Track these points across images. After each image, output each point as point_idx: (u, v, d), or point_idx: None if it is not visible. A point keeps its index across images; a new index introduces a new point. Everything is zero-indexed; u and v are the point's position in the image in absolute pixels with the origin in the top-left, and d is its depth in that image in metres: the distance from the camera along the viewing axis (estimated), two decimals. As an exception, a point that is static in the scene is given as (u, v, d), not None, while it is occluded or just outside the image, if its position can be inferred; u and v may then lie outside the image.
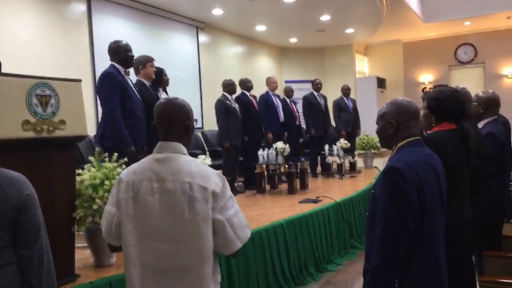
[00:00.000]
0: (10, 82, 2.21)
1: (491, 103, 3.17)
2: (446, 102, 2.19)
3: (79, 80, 2.55)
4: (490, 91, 3.27)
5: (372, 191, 1.77)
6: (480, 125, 3.06)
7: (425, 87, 5.93)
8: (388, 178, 1.65)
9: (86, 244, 2.82)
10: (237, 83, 6.10)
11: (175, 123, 1.69)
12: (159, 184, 1.62)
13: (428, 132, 2.30)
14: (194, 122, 1.91)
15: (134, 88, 3.79)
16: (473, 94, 3.23)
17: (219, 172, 1.70)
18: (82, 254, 2.92)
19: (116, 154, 2.73)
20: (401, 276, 1.64)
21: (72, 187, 2.52)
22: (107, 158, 2.69)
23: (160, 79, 4.53)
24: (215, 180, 1.64)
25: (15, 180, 1.52)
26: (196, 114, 7.94)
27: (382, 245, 1.63)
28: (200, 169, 1.66)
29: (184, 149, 1.71)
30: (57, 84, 2.39)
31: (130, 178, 1.68)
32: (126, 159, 2.77)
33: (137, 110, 3.70)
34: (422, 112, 2.22)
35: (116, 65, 3.67)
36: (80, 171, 2.62)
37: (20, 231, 1.50)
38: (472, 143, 2.15)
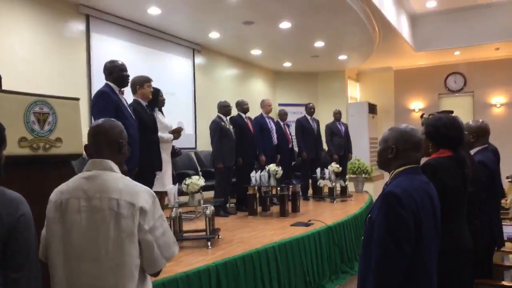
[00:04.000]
0: (9, 98, 2.21)
1: (481, 132, 3.23)
2: (444, 129, 2.25)
3: (77, 99, 2.55)
4: (480, 120, 3.34)
5: (369, 215, 1.79)
6: (471, 153, 3.11)
7: (424, 113, 6.01)
8: (386, 203, 1.68)
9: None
10: (233, 104, 6.15)
11: (108, 140, 1.72)
12: (86, 202, 1.62)
13: (426, 158, 2.34)
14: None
15: (128, 108, 3.80)
16: (463, 123, 3.30)
17: (149, 189, 1.71)
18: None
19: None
20: None
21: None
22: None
23: (156, 99, 4.56)
24: (144, 197, 1.65)
25: (12, 200, 1.49)
26: (190, 135, 7.97)
27: (378, 269, 1.64)
28: (129, 185, 1.67)
29: (114, 167, 1.71)
30: (55, 102, 2.38)
31: (58, 197, 1.66)
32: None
33: (130, 129, 3.67)
34: None
35: (111, 84, 3.70)
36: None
37: (10, 253, 1.45)
38: (469, 169, 2.19)
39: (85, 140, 5.65)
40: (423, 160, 2.37)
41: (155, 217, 1.65)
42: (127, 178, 1.71)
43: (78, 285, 1.60)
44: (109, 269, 1.58)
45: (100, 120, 1.79)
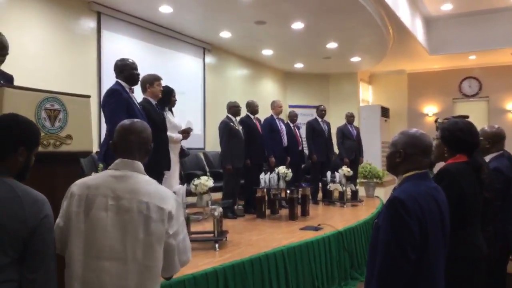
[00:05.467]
0: (20, 94, 2.22)
1: (497, 138, 3.17)
2: (460, 134, 2.21)
3: (88, 96, 2.55)
4: (496, 126, 3.28)
5: (376, 220, 1.77)
6: (486, 159, 3.04)
7: (438, 118, 5.96)
8: (391, 208, 1.66)
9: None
10: (242, 105, 6.11)
11: (140, 141, 1.72)
12: (114, 201, 1.60)
13: (444, 163, 2.30)
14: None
15: (138, 106, 3.80)
16: (478, 128, 3.24)
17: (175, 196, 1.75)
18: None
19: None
20: None
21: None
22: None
23: (169, 99, 4.54)
24: (172, 202, 1.66)
25: (36, 201, 1.51)
26: (199, 135, 7.95)
27: (381, 275, 1.62)
28: (159, 189, 1.68)
29: (143, 169, 1.72)
30: (66, 99, 2.39)
31: (83, 192, 1.64)
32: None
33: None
34: (435, 143, 2.23)
35: (122, 82, 3.71)
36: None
37: (29, 253, 1.47)
38: (485, 175, 2.16)
39: (95, 137, 5.61)
40: (440, 165, 2.33)
41: (179, 222, 1.67)
42: (155, 181, 1.72)
43: (97, 283, 1.56)
44: (135, 270, 1.57)
45: (134, 120, 1.79)
